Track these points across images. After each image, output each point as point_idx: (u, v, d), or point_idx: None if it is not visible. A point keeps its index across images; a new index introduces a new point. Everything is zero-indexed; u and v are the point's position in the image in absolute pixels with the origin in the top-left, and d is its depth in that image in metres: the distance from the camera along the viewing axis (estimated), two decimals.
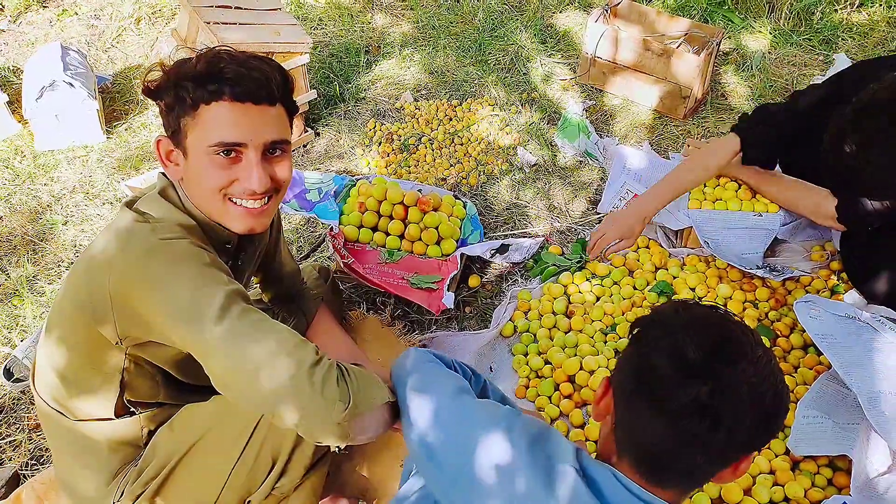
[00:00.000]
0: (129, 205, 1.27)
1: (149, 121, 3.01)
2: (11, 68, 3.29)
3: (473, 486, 1.00)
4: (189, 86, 1.19)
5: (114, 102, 3.12)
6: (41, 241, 2.43)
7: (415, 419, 1.16)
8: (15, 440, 1.87)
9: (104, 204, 2.58)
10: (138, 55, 3.44)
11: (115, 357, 1.26)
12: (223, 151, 1.21)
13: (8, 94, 2.86)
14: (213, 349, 1.13)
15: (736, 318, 0.97)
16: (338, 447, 1.19)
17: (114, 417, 1.33)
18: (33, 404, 1.95)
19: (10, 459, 1.84)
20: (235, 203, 1.26)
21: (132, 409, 1.34)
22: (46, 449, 1.85)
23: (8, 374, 1.96)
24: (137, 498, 1.35)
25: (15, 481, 1.77)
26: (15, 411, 1.94)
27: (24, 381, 1.97)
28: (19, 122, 2.92)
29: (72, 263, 2.35)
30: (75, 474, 1.39)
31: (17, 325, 2.15)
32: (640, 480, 0.94)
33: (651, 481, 0.93)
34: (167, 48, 3.42)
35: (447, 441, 1.09)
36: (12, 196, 2.61)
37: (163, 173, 1.33)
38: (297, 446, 1.34)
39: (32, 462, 1.83)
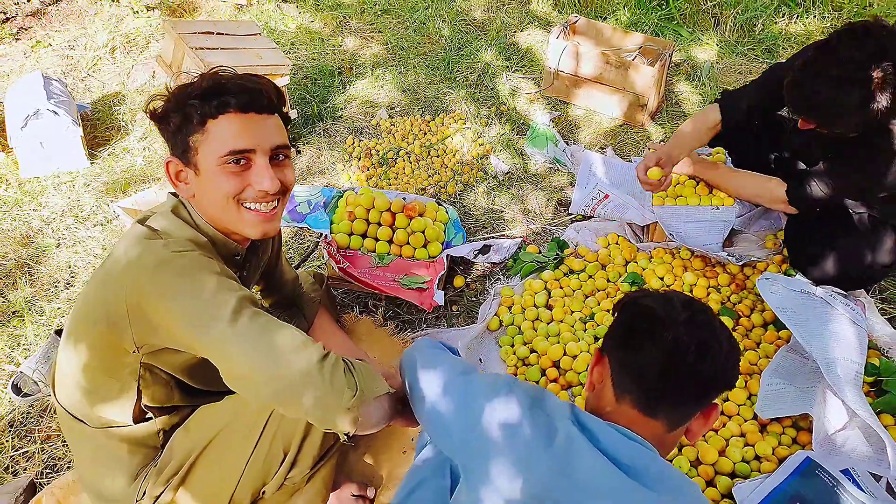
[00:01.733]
0: (141, 221, 1.36)
1: (131, 146, 3.10)
2: None
3: (482, 446, 1.14)
4: (196, 103, 1.29)
5: (94, 129, 3.20)
6: (36, 263, 2.50)
7: (426, 393, 1.30)
8: (28, 451, 1.94)
9: (95, 226, 2.65)
10: (115, 83, 3.52)
11: (130, 365, 1.33)
12: (234, 160, 1.31)
13: None
14: (228, 349, 1.21)
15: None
16: (346, 435, 1.30)
17: (132, 423, 1.40)
18: (42, 417, 2.02)
19: (25, 470, 1.90)
20: (249, 209, 1.36)
21: (148, 413, 1.43)
22: (59, 458, 1.92)
23: (16, 389, 2.03)
24: (159, 496, 1.43)
25: (32, 490, 1.84)
26: (25, 425, 2.00)
27: (31, 395, 2.03)
28: (1, 150, 2.98)
29: (68, 284, 2.42)
30: (99, 478, 1.46)
31: (18, 344, 2.21)
32: (637, 415, 1.11)
33: (646, 412, 1.10)
34: (143, 76, 3.52)
35: (456, 409, 1.23)
36: (2, 222, 2.67)
37: (172, 193, 1.44)
38: (306, 437, 1.43)
39: (47, 471, 1.89)
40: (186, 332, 1.22)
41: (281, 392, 1.20)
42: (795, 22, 3.68)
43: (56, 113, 2.87)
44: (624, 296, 1.23)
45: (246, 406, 1.40)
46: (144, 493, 1.43)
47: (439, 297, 2.15)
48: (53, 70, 3.54)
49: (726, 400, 1.93)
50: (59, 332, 2.12)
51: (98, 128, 3.22)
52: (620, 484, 1.01)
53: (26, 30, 3.91)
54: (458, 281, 2.37)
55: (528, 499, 1.05)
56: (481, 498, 1.10)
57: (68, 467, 1.89)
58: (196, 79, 1.34)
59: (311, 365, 1.20)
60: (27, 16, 3.99)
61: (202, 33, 2.64)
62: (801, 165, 2.26)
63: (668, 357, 1.08)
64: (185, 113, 1.30)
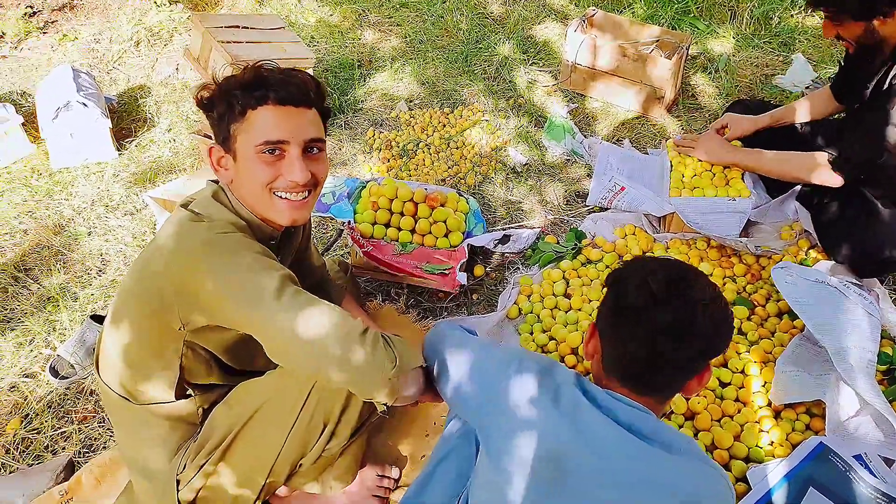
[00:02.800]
0: (184, 206, 1.44)
1: (157, 137, 3.17)
2: (18, 92, 3.43)
3: (499, 414, 1.23)
4: (238, 94, 1.38)
5: (121, 121, 3.28)
6: (68, 251, 2.58)
7: (453, 372, 1.38)
8: (66, 432, 2.02)
9: (125, 215, 2.73)
10: (140, 76, 3.60)
11: (174, 343, 1.41)
12: (269, 150, 1.38)
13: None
14: (274, 324, 1.28)
15: (685, 263, 1.25)
16: (385, 406, 1.37)
17: (174, 399, 1.48)
18: (79, 399, 2.10)
19: (64, 449, 1.98)
20: (281, 197, 1.42)
21: (189, 390, 1.51)
22: (96, 438, 2.00)
23: (54, 372, 2.11)
24: (200, 469, 1.51)
25: (70, 468, 1.92)
26: (63, 406, 2.08)
27: (68, 378, 2.11)
28: (32, 142, 3.06)
29: (100, 271, 2.50)
30: (142, 453, 1.54)
31: (54, 329, 2.29)
32: (627, 392, 1.19)
33: (635, 392, 1.18)
34: (168, 69, 3.60)
35: (476, 383, 1.32)
36: (35, 211, 2.76)
37: (213, 180, 1.51)
38: (345, 409, 1.50)
39: (84, 450, 1.97)
40: (233, 308, 1.29)
41: (326, 364, 1.27)
42: (811, 15, 3.69)
43: (86, 105, 2.94)
44: (612, 272, 1.26)
45: (287, 380, 1.46)
46: (185, 467, 1.50)
47: (462, 278, 2.21)
48: (80, 63, 3.62)
49: (741, 387, 1.98)
50: (94, 318, 2.20)
51: (124, 119, 3.29)
52: (626, 441, 1.10)
53: (52, 23, 3.99)
54: (479, 270, 2.42)
55: (544, 458, 1.14)
56: (501, 462, 1.19)
57: (105, 447, 1.97)
58: (241, 71, 1.42)
59: (353, 337, 1.27)
60: (53, 10, 4.07)
61: (228, 27, 2.70)
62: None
63: (649, 351, 1.14)
64: (228, 102, 1.38)
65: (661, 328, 1.12)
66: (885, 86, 2.05)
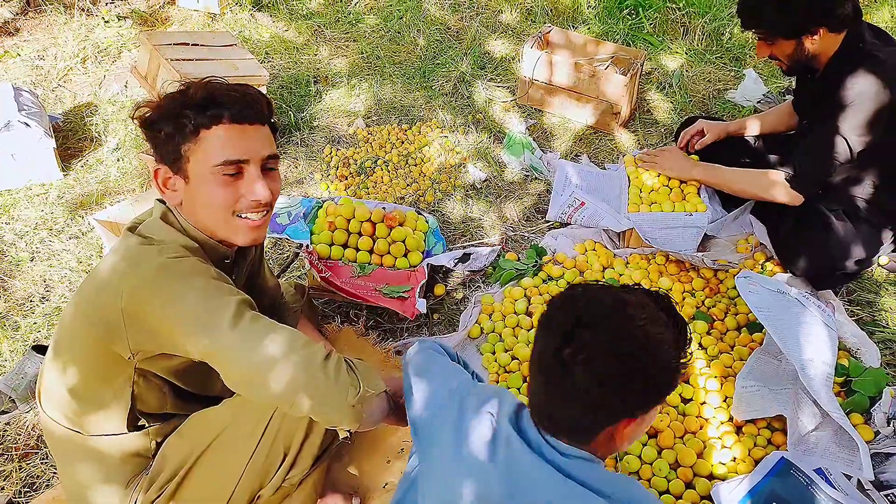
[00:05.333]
0: (132, 229, 1.38)
1: (104, 157, 3.06)
2: None
3: (437, 457, 1.18)
4: (189, 113, 1.32)
5: (67, 140, 3.16)
6: (9, 277, 2.46)
7: (413, 401, 1.33)
8: (4, 470, 1.90)
9: (70, 239, 2.62)
10: (87, 94, 3.48)
11: (125, 371, 1.35)
12: (228, 171, 1.34)
13: None
14: (232, 352, 1.24)
15: (629, 293, 1.10)
16: (348, 432, 1.33)
17: (126, 431, 1.41)
18: (20, 435, 1.99)
19: (3, 489, 1.87)
20: (242, 217, 1.39)
21: (142, 421, 1.44)
22: (38, 476, 1.89)
23: None
24: (152, 503, 1.44)
25: None
26: (2, 443, 1.97)
27: (8, 413, 2.00)
28: None
29: (43, 298, 2.39)
30: (90, 489, 1.46)
31: None
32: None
33: (549, 432, 1.10)
34: (116, 86, 3.49)
35: (426, 420, 1.27)
36: None
37: (159, 200, 1.45)
38: (307, 436, 1.46)
39: (25, 490, 1.86)
40: (188, 336, 1.24)
41: (287, 392, 1.23)
42: None
43: (27, 125, 2.83)
44: (542, 315, 1.14)
45: (245, 407, 1.41)
46: (136, 502, 1.43)
47: (421, 305, 2.17)
48: (23, 81, 3.49)
49: (703, 403, 1.98)
50: (35, 348, 2.09)
51: (70, 139, 3.18)
52: (553, 481, 1.04)
53: None
54: (439, 289, 2.39)
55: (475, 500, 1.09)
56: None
57: (48, 485, 1.87)
58: (185, 87, 1.36)
59: (315, 364, 1.23)
60: None
61: (178, 44, 2.63)
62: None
63: (546, 386, 1.08)
64: (177, 122, 1.32)
65: (555, 364, 1.04)
66: (832, 100, 2.09)
